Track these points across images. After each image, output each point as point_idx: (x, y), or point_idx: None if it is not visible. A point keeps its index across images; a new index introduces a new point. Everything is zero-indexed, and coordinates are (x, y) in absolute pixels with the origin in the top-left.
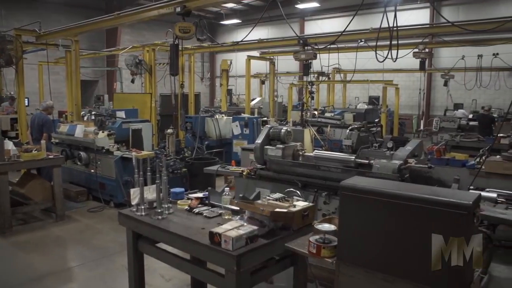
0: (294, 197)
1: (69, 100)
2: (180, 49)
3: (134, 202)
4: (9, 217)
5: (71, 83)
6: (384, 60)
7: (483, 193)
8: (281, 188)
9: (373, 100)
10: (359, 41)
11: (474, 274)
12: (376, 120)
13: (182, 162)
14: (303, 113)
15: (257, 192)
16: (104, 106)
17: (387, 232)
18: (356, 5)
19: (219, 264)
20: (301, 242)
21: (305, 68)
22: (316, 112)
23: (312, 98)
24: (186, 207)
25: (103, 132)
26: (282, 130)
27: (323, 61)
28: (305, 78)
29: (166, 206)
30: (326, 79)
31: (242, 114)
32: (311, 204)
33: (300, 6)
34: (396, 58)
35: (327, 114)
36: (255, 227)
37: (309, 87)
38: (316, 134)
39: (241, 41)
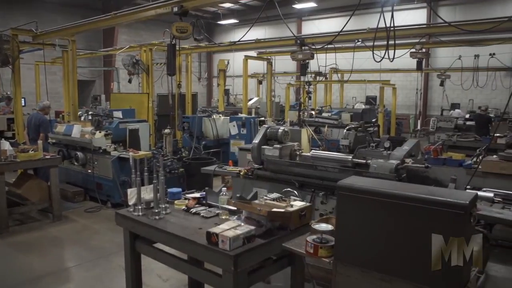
0: (291, 197)
1: (66, 100)
2: (177, 49)
3: (131, 202)
4: (6, 217)
5: (68, 83)
6: (381, 60)
7: (480, 193)
8: (278, 188)
9: (370, 100)
10: (356, 41)
11: (471, 273)
12: (373, 120)
13: (179, 162)
14: (301, 113)
15: (254, 192)
16: (101, 106)
17: (384, 232)
18: (353, 5)
19: (217, 264)
20: (299, 242)
21: (303, 68)
22: (313, 112)
23: (310, 98)
24: (184, 207)
25: (100, 132)
26: (279, 130)
27: (320, 61)
28: (302, 78)
29: (163, 206)
30: (324, 79)
31: (239, 114)
32: (308, 204)
33: (298, 6)
34: (393, 58)
35: (324, 114)
36: (253, 227)
37: (307, 87)
38: (313, 134)
39: (239, 41)
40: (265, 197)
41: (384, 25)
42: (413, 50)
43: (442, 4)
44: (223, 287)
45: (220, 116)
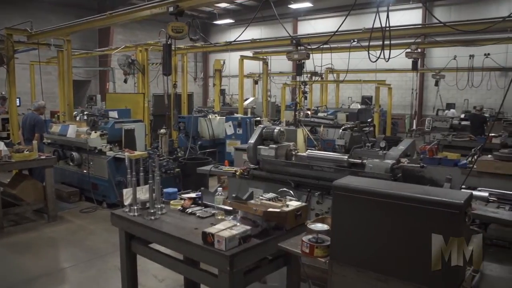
0: (287, 197)
1: (61, 100)
2: (173, 49)
3: (126, 203)
4: (1, 218)
5: (63, 83)
6: (377, 60)
7: (475, 192)
8: (274, 188)
9: (366, 100)
10: (352, 41)
11: (466, 272)
12: (369, 120)
13: (175, 162)
14: (296, 113)
15: (250, 192)
16: (96, 106)
17: (379, 232)
18: (349, 5)
19: (212, 264)
20: (294, 242)
21: (298, 68)
22: (309, 112)
23: (305, 98)
24: (179, 207)
25: (95, 132)
26: (275, 130)
27: (316, 61)
28: (298, 78)
29: (159, 206)
30: (319, 79)
31: (235, 114)
32: (304, 204)
33: (293, 6)
34: (389, 58)
35: (320, 114)
36: (248, 227)
37: (302, 87)
38: (309, 134)
39: (234, 41)
40: (261, 197)
41: (379, 25)
42: (409, 50)
43: (437, 5)
44: (219, 287)
45: (216, 116)
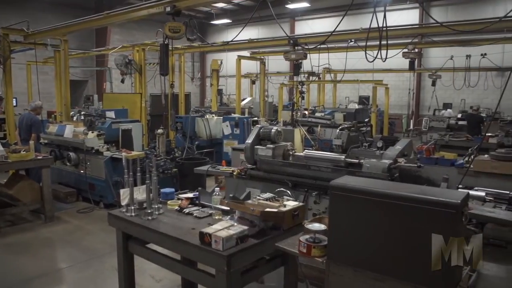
0: (285, 196)
1: (58, 100)
2: (170, 49)
3: (124, 203)
4: None
5: (60, 83)
6: (374, 60)
7: (472, 192)
8: (271, 188)
9: (363, 100)
10: (349, 41)
11: (462, 272)
12: (366, 120)
13: (173, 162)
14: (294, 113)
15: (248, 192)
16: (93, 106)
17: (376, 231)
18: (346, 5)
19: (210, 265)
20: (292, 241)
21: (296, 68)
22: (306, 112)
23: (303, 98)
24: (176, 207)
25: (92, 132)
26: (273, 130)
27: (314, 61)
28: (295, 78)
29: (156, 206)
30: (317, 79)
31: (232, 114)
32: (301, 203)
33: (291, 6)
34: (386, 58)
35: (317, 114)
36: (246, 227)
37: (300, 87)
38: (306, 134)
39: (232, 41)
40: (258, 197)
41: (376, 25)
42: (406, 50)
43: (434, 5)
44: (216, 287)
45: (213, 116)
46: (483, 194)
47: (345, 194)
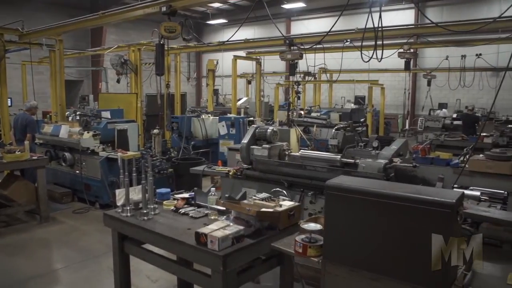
0: (280, 196)
1: (53, 100)
2: (166, 49)
3: (119, 203)
4: None
5: (55, 83)
6: (370, 60)
7: (467, 192)
8: (267, 188)
9: (359, 100)
10: (345, 41)
11: (457, 271)
12: (362, 120)
13: (168, 163)
14: (290, 113)
15: (243, 192)
16: (89, 106)
17: (372, 231)
18: (342, 6)
19: (205, 265)
20: (288, 241)
21: (291, 68)
22: (302, 112)
23: (299, 98)
24: (172, 207)
25: (88, 132)
26: (268, 130)
27: (309, 61)
28: (291, 78)
29: (152, 206)
30: (312, 79)
31: (228, 114)
32: (297, 203)
33: (286, 6)
34: (381, 58)
35: (313, 114)
36: (241, 227)
37: (295, 87)
38: (302, 134)
39: (227, 41)
40: (254, 197)
41: (372, 26)
42: (401, 50)
43: (429, 5)
44: (212, 287)
45: (209, 116)
46: (478, 193)
47: (341, 194)
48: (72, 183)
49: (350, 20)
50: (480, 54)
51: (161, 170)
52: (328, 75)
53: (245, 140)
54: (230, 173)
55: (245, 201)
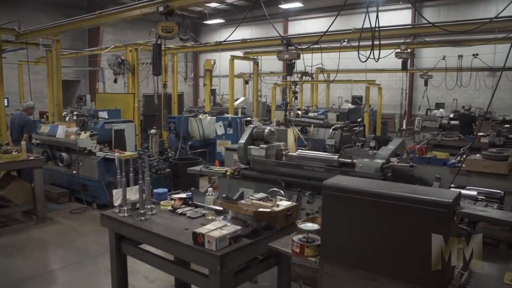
0: (278, 196)
1: (50, 100)
2: (163, 48)
3: (116, 203)
4: None
5: (52, 83)
6: (367, 60)
7: (464, 191)
8: (264, 188)
9: (356, 100)
10: (342, 41)
11: (454, 271)
12: (359, 120)
13: (166, 163)
14: (287, 113)
15: (241, 192)
16: (86, 106)
17: (369, 231)
18: (339, 6)
19: (203, 265)
20: (285, 241)
21: (289, 68)
22: (299, 112)
23: (296, 98)
24: (169, 207)
25: (85, 132)
26: (266, 130)
27: (307, 61)
28: (288, 78)
29: (149, 207)
30: (310, 79)
31: (225, 114)
32: (294, 203)
33: (284, 6)
34: (378, 58)
35: (310, 114)
36: (239, 227)
37: (293, 87)
38: (299, 134)
39: (225, 41)
40: (251, 197)
41: (369, 26)
42: (398, 50)
43: (426, 5)
44: (210, 287)
45: (206, 116)
46: (475, 193)
47: (338, 194)
48: (69, 183)
49: (347, 20)
50: (477, 54)
51: (158, 170)
52: (325, 75)
53: (242, 140)
54: (228, 173)
55: (242, 201)
